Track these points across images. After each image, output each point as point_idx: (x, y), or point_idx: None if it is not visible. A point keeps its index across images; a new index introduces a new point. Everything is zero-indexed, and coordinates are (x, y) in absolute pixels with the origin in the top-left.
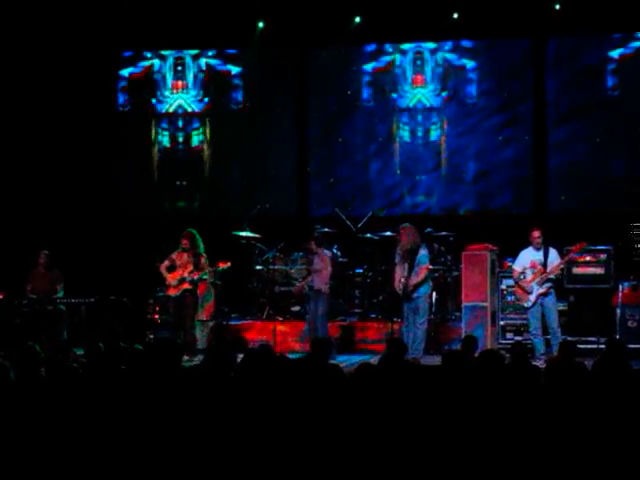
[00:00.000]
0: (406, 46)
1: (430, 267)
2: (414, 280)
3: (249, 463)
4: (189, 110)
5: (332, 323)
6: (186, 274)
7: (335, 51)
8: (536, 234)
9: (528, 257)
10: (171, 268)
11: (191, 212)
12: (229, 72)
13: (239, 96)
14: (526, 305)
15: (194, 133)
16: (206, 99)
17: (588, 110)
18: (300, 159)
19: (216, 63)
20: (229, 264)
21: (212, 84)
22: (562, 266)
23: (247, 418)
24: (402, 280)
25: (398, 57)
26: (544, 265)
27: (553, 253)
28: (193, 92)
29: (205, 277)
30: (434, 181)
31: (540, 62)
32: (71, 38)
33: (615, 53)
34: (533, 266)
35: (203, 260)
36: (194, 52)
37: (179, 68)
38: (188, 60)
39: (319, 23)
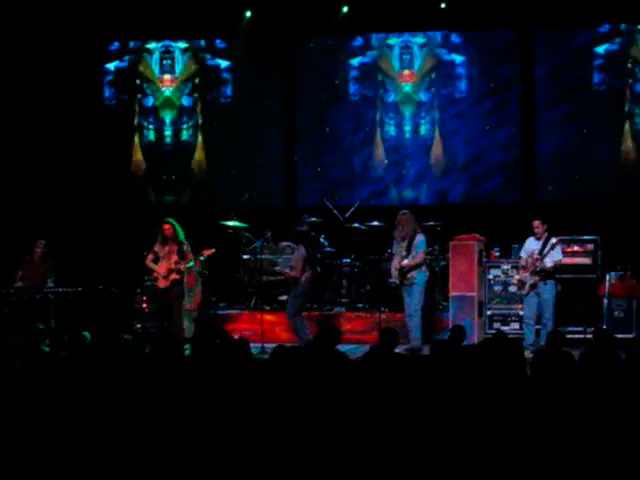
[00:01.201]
0: (392, 41)
1: (427, 254)
2: (410, 262)
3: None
4: (177, 104)
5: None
6: (172, 265)
7: (323, 41)
8: (534, 224)
9: (530, 246)
10: (155, 260)
11: (180, 204)
12: (218, 66)
13: (228, 90)
14: (522, 294)
15: (183, 127)
16: (195, 94)
17: (575, 102)
18: (288, 149)
19: (205, 57)
20: (214, 251)
21: (201, 78)
22: (557, 259)
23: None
24: (397, 265)
25: (384, 51)
26: (540, 255)
27: (556, 246)
28: (182, 86)
29: (191, 265)
30: (422, 173)
31: (527, 53)
32: (58, 31)
33: (601, 49)
34: (531, 256)
35: (186, 248)
36: (183, 46)
37: (168, 62)
38: (177, 54)
39: (307, 13)
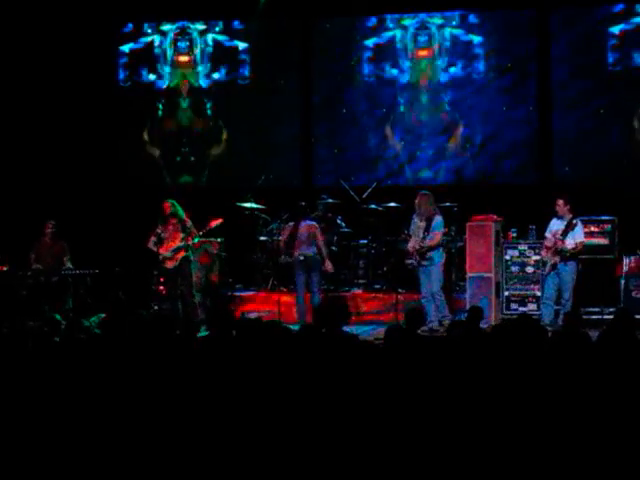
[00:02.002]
0: (407, 22)
1: (445, 233)
2: (428, 242)
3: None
4: (196, 86)
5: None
6: (181, 242)
7: (339, 22)
8: (557, 202)
9: (553, 226)
10: (158, 242)
11: (197, 185)
12: (236, 48)
13: (246, 71)
14: (544, 274)
15: (203, 108)
16: (214, 75)
17: (590, 82)
18: (304, 130)
19: (223, 39)
20: (221, 220)
21: (220, 60)
22: (579, 241)
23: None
24: (416, 246)
25: (399, 32)
26: (563, 235)
27: (575, 226)
28: (201, 68)
29: (197, 240)
30: (438, 153)
31: (544, 35)
32: (71, 14)
33: (616, 29)
34: (554, 235)
35: (189, 224)
36: (201, 27)
37: (186, 44)
38: (195, 36)
39: None
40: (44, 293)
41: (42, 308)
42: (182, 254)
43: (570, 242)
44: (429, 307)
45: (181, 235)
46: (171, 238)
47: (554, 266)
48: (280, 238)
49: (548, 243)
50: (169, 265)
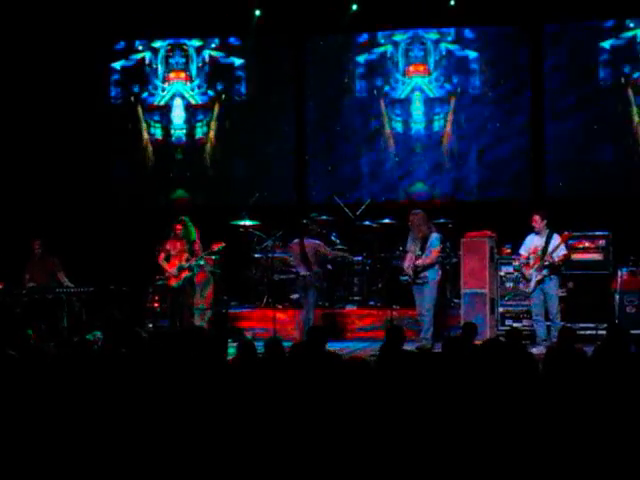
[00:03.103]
0: (398, 37)
1: (440, 252)
2: (425, 260)
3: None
4: (192, 102)
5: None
6: (184, 262)
7: (332, 39)
8: (533, 218)
9: (532, 242)
10: (167, 259)
11: (191, 202)
12: (232, 64)
13: (242, 88)
14: (528, 291)
15: (197, 125)
16: (210, 91)
17: (585, 98)
18: (298, 147)
19: (220, 55)
20: (223, 244)
21: (216, 76)
22: (561, 254)
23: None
24: (412, 261)
25: (390, 48)
26: (544, 251)
27: (556, 239)
28: (196, 84)
29: (201, 263)
30: (432, 169)
31: (536, 51)
32: (64, 30)
33: (606, 44)
34: (534, 252)
35: (197, 247)
36: (198, 44)
37: (174, 60)
38: (192, 52)
39: (316, 11)
40: (39, 311)
41: (38, 326)
42: (186, 273)
43: (555, 257)
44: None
45: (186, 255)
46: (177, 256)
47: (540, 282)
48: (290, 256)
49: (524, 260)
50: (173, 283)
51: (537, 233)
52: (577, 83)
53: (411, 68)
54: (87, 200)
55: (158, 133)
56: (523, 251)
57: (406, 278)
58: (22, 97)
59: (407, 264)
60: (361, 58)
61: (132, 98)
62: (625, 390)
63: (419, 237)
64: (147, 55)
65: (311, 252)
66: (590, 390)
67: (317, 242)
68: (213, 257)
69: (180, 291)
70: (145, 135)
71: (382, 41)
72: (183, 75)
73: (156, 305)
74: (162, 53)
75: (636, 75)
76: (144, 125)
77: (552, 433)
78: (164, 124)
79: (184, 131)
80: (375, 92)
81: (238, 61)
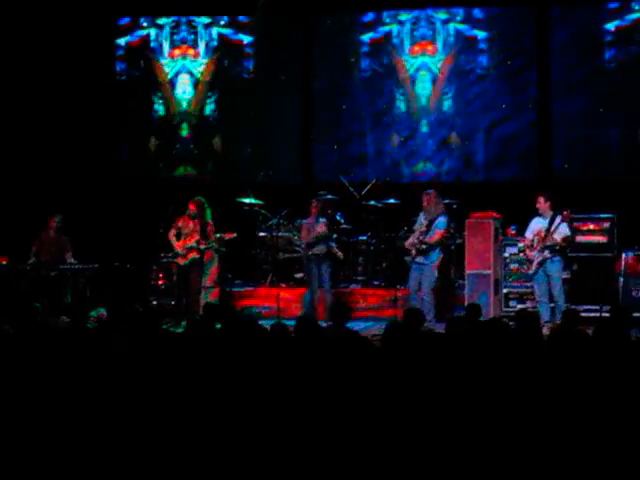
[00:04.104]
0: (404, 17)
1: (445, 234)
2: (428, 239)
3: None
4: (200, 79)
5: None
6: (194, 242)
7: (340, 18)
8: (538, 200)
9: (536, 225)
10: (177, 236)
11: (196, 179)
12: (241, 41)
13: (250, 65)
14: (530, 273)
15: (207, 102)
16: (218, 68)
17: (590, 80)
18: (304, 126)
19: (229, 32)
20: (235, 235)
21: (224, 53)
22: (564, 235)
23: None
24: (415, 240)
25: (395, 27)
26: (547, 232)
27: (558, 220)
28: (204, 60)
29: (212, 245)
30: (439, 149)
31: (544, 32)
32: (68, 7)
33: (611, 25)
34: (538, 234)
35: (210, 229)
36: (206, 21)
37: (178, 36)
38: (200, 29)
39: None
40: (43, 287)
41: (41, 302)
42: (194, 254)
43: (558, 238)
44: (414, 304)
45: (197, 236)
46: (189, 235)
47: (541, 263)
48: (303, 232)
49: (529, 242)
50: (181, 262)
51: (541, 215)
52: (583, 64)
53: (416, 47)
54: (91, 176)
55: (161, 110)
56: (528, 234)
57: (409, 258)
58: (29, 75)
59: (409, 242)
60: (366, 37)
61: (136, 74)
62: (623, 371)
63: (431, 217)
64: (152, 31)
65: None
66: (592, 371)
67: (326, 221)
68: (217, 235)
69: (187, 271)
70: (149, 111)
71: (387, 20)
72: (192, 52)
73: (160, 282)
74: (167, 30)
75: None
76: (148, 101)
77: (555, 415)
78: (168, 100)
79: (190, 107)
80: (380, 71)
81: (247, 38)
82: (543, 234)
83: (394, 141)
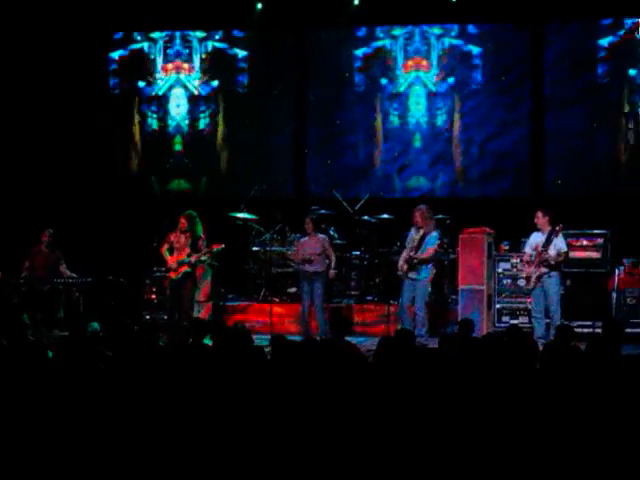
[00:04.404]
0: (397, 32)
1: (437, 249)
2: (420, 255)
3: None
4: (195, 93)
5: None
6: (185, 257)
7: (334, 33)
8: (536, 215)
9: (534, 240)
10: (170, 250)
11: (189, 193)
12: (235, 56)
13: (245, 79)
14: (529, 288)
15: (201, 116)
16: (213, 82)
17: (584, 96)
18: (298, 141)
19: (223, 47)
20: (223, 246)
21: (219, 67)
22: (559, 250)
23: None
24: (407, 256)
25: (388, 42)
26: (544, 248)
27: (557, 237)
28: (199, 75)
29: (204, 259)
30: (432, 165)
31: (537, 47)
32: (63, 21)
33: (604, 41)
34: (536, 249)
35: (201, 243)
36: (201, 35)
37: (185, 51)
38: (195, 43)
39: (318, 4)
40: (36, 301)
41: (34, 317)
42: (185, 268)
43: (553, 252)
44: (406, 319)
45: (188, 250)
46: (180, 250)
47: (539, 278)
48: (295, 250)
49: (528, 258)
50: (173, 276)
51: (539, 230)
52: (576, 80)
53: (409, 62)
54: (85, 190)
55: (155, 124)
56: (527, 249)
57: (401, 273)
58: (22, 88)
59: (402, 259)
60: (359, 52)
61: (129, 88)
62: (616, 388)
63: (423, 233)
64: (145, 45)
65: (319, 248)
66: (584, 386)
67: (325, 237)
68: (213, 250)
69: (179, 285)
70: (142, 125)
71: (381, 35)
72: (186, 66)
73: (153, 297)
74: (160, 44)
75: (633, 72)
76: (140, 116)
77: (547, 430)
78: (161, 115)
79: (186, 121)
80: (373, 86)
81: (241, 52)
82: (540, 249)
83: (388, 156)
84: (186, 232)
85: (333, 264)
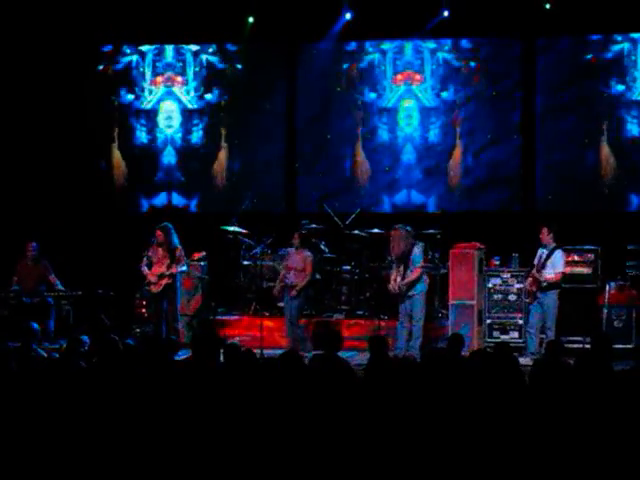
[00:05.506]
0: (386, 46)
1: (424, 265)
2: (410, 277)
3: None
4: (189, 107)
5: (316, 319)
6: (164, 269)
7: (324, 47)
8: (542, 231)
9: (538, 256)
10: (148, 265)
11: (179, 207)
12: (228, 69)
13: (236, 93)
14: (527, 301)
15: (194, 129)
16: (206, 96)
17: (576, 110)
18: (288, 155)
19: (215, 60)
20: (204, 253)
21: (212, 81)
22: (555, 272)
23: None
24: (397, 280)
25: (377, 56)
26: (543, 265)
27: (556, 255)
28: (192, 88)
29: (184, 269)
30: (423, 179)
31: (529, 61)
32: (51, 33)
33: (595, 57)
34: (535, 267)
35: (179, 253)
36: (195, 48)
37: (161, 64)
38: (188, 57)
39: (309, 19)
40: (25, 314)
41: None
42: (166, 281)
43: (550, 272)
44: (401, 333)
45: (167, 262)
46: (159, 263)
47: (535, 296)
48: (284, 264)
49: (531, 276)
50: (154, 290)
51: (544, 246)
52: (567, 93)
53: (399, 76)
54: (75, 204)
55: (144, 137)
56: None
57: (395, 291)
58: (8, 100)
59: (391, 284)
60: (349, 65)
61: (118, 101)
62: (605, 403)
63: (397, 255)
64: (134, 59)
65: (301, 263)
66: (573, 401)
67: (310, 255)
68: (201, 264)
69: (161, 298)
70: (131, 138)
71: (370, 49)
72: (179, 79)
73: (143, 310)
74: (149, 57)
75: (621, 88)
76: (129, 129)
77: (536, 445)
78: (150, 127)
79: (179, 135)
80: (363, 100)
81: (233, 67)
82: (534, 272)
83: (378, 170)
84: (162, 245)
85: (304, 283)
